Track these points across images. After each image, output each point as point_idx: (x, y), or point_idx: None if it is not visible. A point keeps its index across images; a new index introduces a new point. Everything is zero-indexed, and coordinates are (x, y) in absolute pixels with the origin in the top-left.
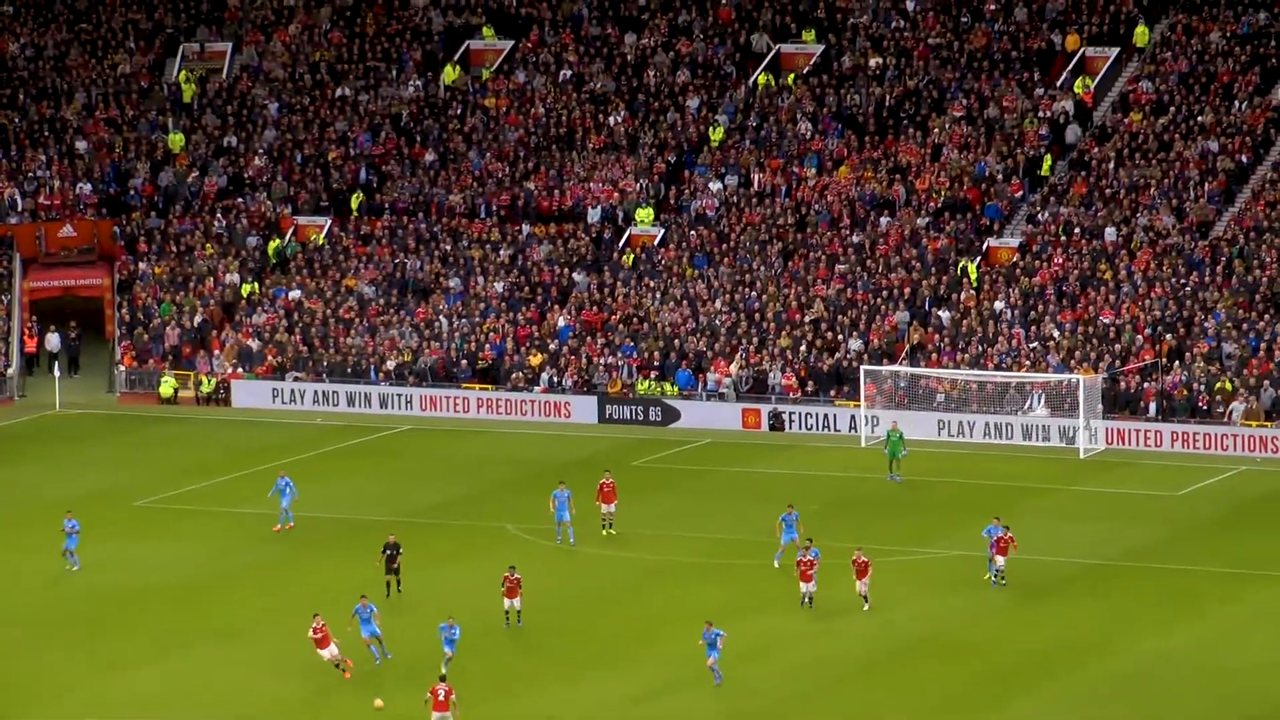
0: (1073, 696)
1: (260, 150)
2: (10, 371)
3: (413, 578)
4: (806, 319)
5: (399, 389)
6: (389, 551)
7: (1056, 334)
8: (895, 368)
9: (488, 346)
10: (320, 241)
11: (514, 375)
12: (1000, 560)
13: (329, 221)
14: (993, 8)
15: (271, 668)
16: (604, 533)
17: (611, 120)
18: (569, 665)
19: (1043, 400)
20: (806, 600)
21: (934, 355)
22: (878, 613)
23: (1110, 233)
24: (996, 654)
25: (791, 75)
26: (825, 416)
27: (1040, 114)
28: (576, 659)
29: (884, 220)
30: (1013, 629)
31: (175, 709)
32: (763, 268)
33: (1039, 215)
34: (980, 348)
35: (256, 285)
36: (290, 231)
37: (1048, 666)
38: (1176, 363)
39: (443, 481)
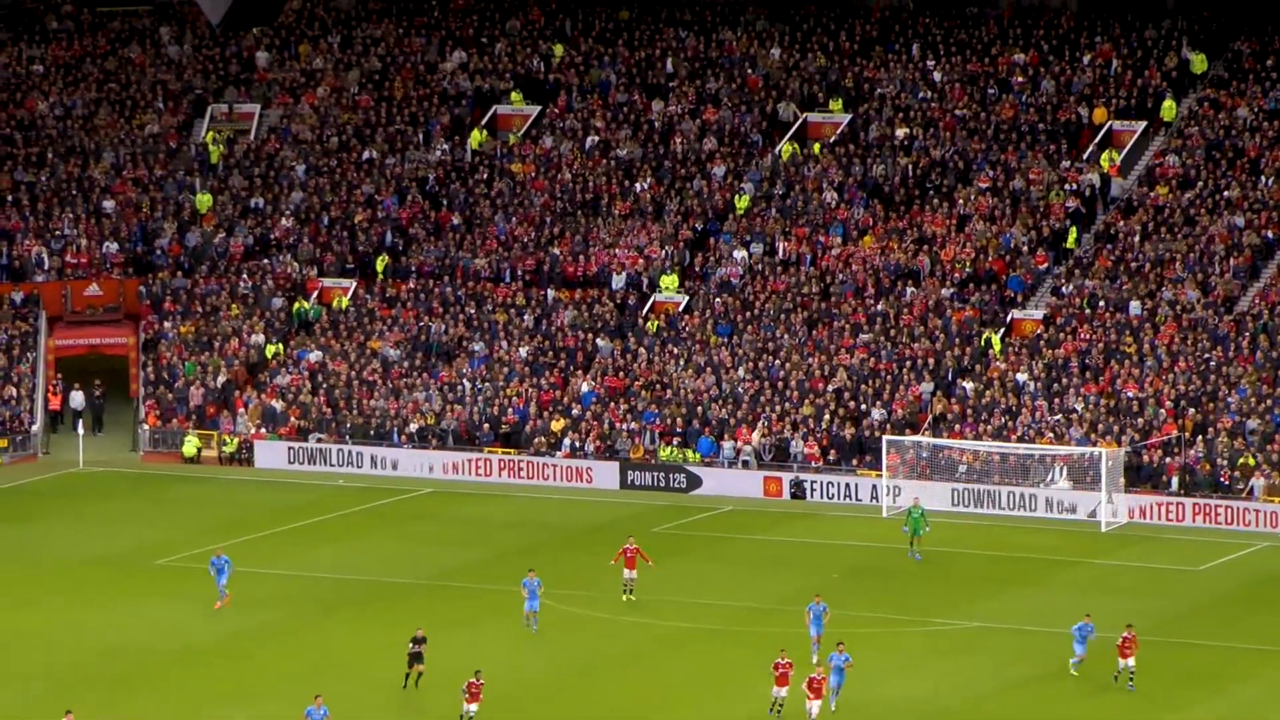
0: None
1: (287, 212)
2: (35, 429)
3: (433, 641)
4: (829, 388)
5: (421, 452)
6: (415, 646)
7: (1079, 407)
8: (918, 438)
9: (510, 410)
10: (345, 304)
11: (536, 440)
12: (1126, 661)
13: (354, 284)
14: (1020, 80)
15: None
16: (625, 598)
17: (637, 187)
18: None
19: (1065, 473)
20: (776, 708)
21: (956, 426)
22: (900, 680)
23: (1135, 306)
24: None
25: (818, 144)
26: (847, 486)
27: (1067, 187)
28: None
29: (908, 290)
30: (1030, 703)
31: None
32: (786, 336)
33: (1064, 288)
34: (1003, 419)
35: (281, 346)
36: (315, 294)
37: None
38: (1199, 437)
39: (462, 545)
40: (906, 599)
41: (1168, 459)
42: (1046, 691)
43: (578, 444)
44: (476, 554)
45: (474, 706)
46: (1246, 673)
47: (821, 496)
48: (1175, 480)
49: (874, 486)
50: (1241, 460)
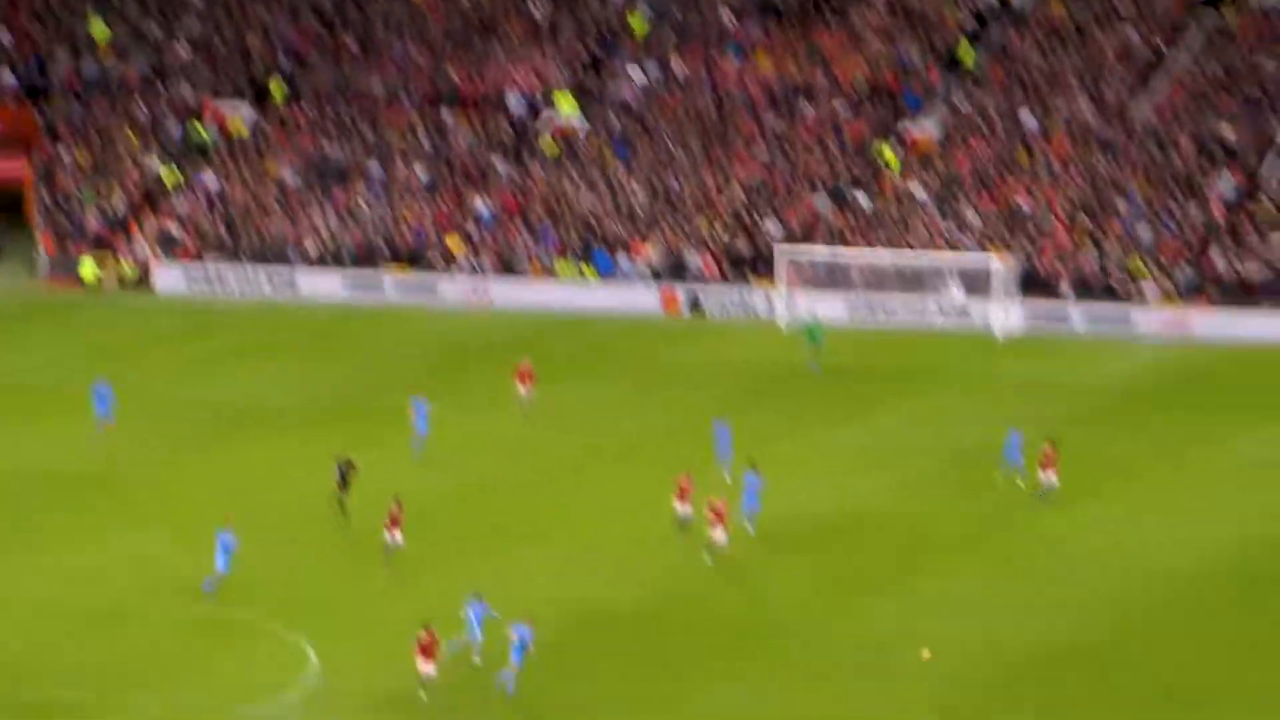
0: (984, 568)
1: (182, 38)
2: None
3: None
4: (725, 202)
5: (319, 273)
6: (342, 469)
7: (973, 217)
8: (812, 249)
9: (407, 231)
10: (242, 129)
11: (434, 259)
12: (1047, 475)
13: (250, 109)
14: None
15: (183, 547)
16: (523, 416)
17: (534, 9)
18: (497, 540)
19: (959, 283)
20: (681, 525)
21: (851, 238)
22: (794, 492)
23: (1027, 119)
24: (909, 528)
25: None
26: (744, 299)
27: (960, 2)
28: (501, 537)
29: (803, 106)
30: (930, 506)
31: (100, 584)
32: (682, 153)
33: (958, 103)
34: (898, 231)
35: (178, 173)
36: (211, 120)
37: (961, 541)
38: (1092, 245)
39: (362, 366)
40: (807, 411)
41: (1060, 266)
42: (944, 495)
43: (475, 262)
44: (376, 374)
45: (398, 534)
46: (1132, 474)
47: (719, 311)
48: (1068, 287)
49: (770, 299)
50: (1132, 266)
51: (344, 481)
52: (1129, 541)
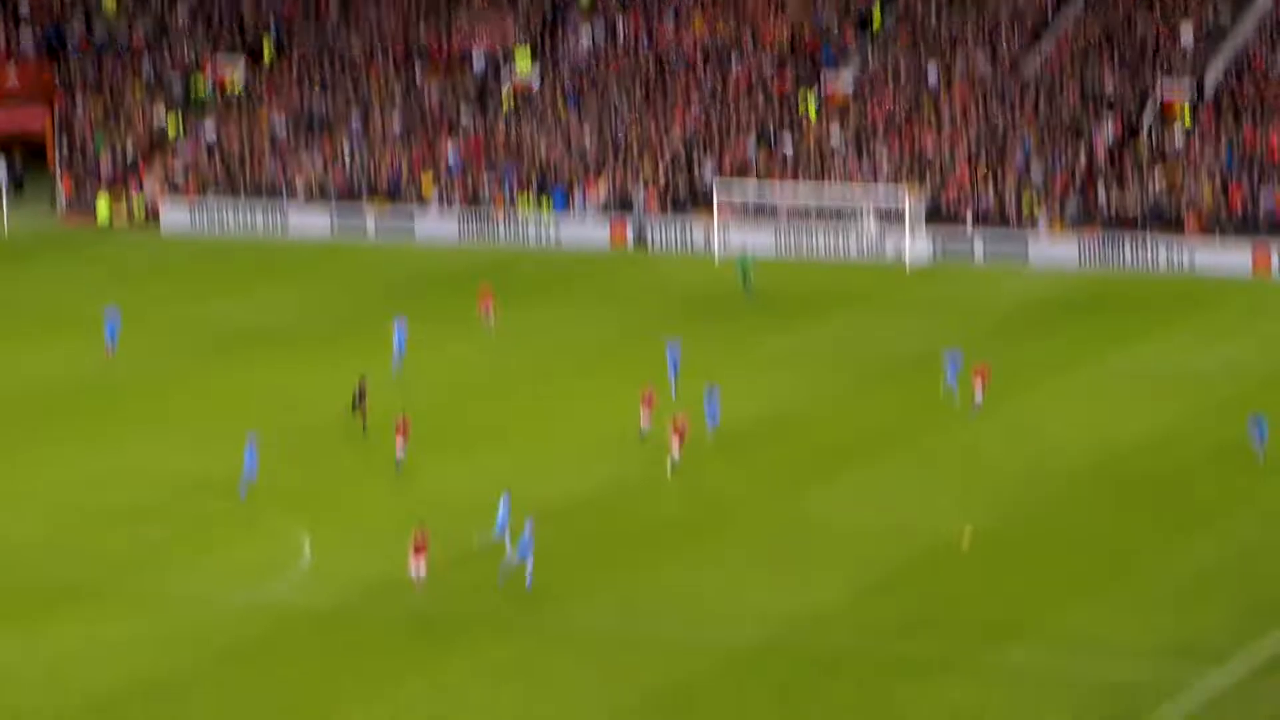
0: (900, 466)
1: (182, 4)
2: None
3: (323, 375)
4: (666, 147)
5: (307, 210)
6: (361, 388)
7: (885, 160)
8: (744, 185)
9: (386, 172)
10: (237, 84)
11: (409, 197)
12: (977, 391)
13: (244, 67)
14: None
15: (190, 449)
16: (486, 333)
17: None
18: (467, 445)
19: (873, 218)
20: (644, 431)
21: (779, 178)
22: (731, 400)
23: (932, 74)
24: (834, 432)
25: None
26: (683, 231)
27: None
28: (465, 441)
29: (733, 63)
30: (850, 411)
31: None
32: (627, 104)
33: (869, 59)
34: (818, 172)
35: (181, 122)
36: (209, 75)
37: (879, 442)
38: (991, 183)
39: (346, 292)
40: (740, 330)
41: (962, 202)
42: (864, 402)
43: (446, 199)
44: (360, 298)
45: (403, 444)
46: (1031, 384)
47: (661, 242)
48: (969, 221)
49: (706, 232)
50: (1026, 202)
51: (362, 398)
52: (1027, 444)
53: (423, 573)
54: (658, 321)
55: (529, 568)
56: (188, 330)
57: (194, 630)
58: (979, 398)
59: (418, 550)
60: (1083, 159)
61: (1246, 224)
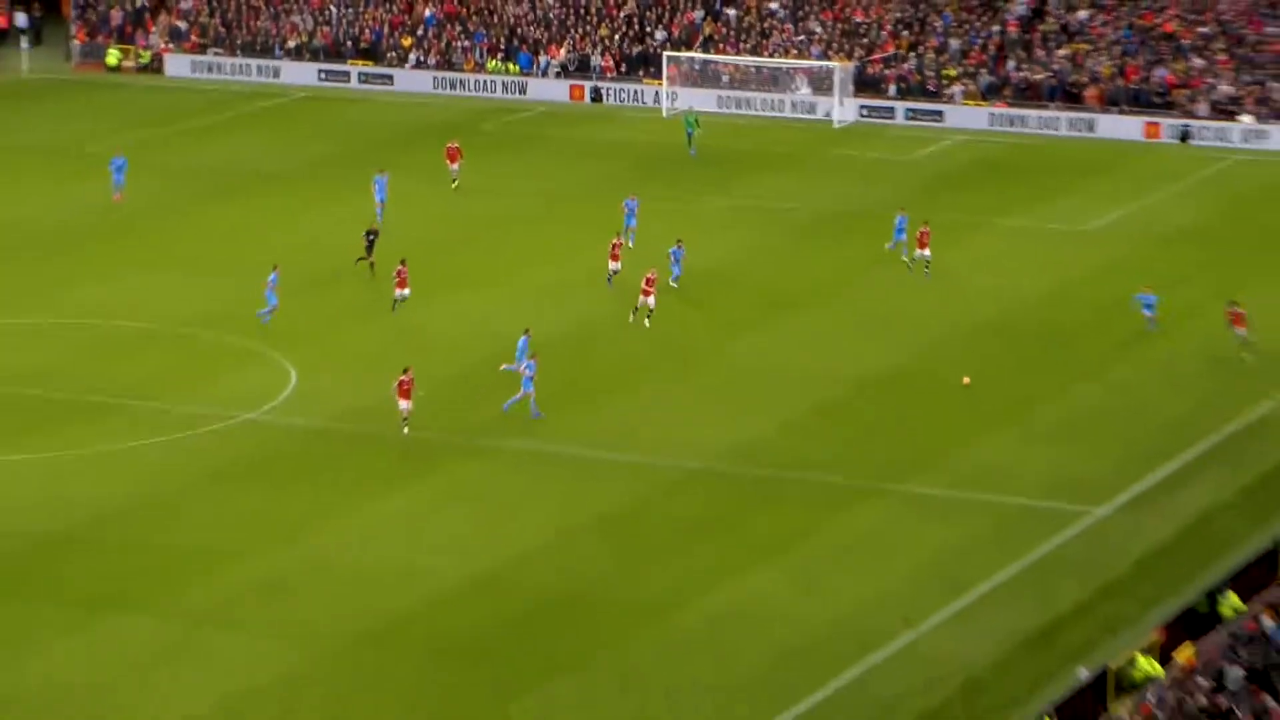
0: (832, 311)
1: None
2: None
3: (302, 218)
4: (622, 14)
5: (298, 63)
6: (371, 237)
7: (818, 29)
8: (691, 54)
9: (368, 31)
10: None
11: (389, 54)
12: (923, 251)
13: None
14: None
15: (191, 285)
16: (452, 186)
17: None
18: (438, 288)
19: (806, 82)
20: (611, 277)
21: (722, 45)
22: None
23: None
24: (770, 283)
25: None
26: (635, 92)
27: None
28: (441, 285)
29: None
30: (788, 261)
31: (119, 315)
32: None
33: None
34: (758, 39)
35: None
36: None
37: (814, 290)
38: (912, 53)
39: (332, 140)
40: (686, 183)
41: (887, 71)
42: (800, 252)
43: (422, 58)
44: (344, 147)
45: (406, 291)
46: (946, 240)
47: (615, 100)
48: (893, 88)
49: (656, 93)
50: (945, 71)
51: (370, 247)
52: (942, 296)
53: (408, 413)
54: (613, 175)
55: (532, 399)
56: (188, 171)
57: (189, 450)
58: (924, 254)
59: (404, 393)
60: (996, 33)
61: (1140, 97)
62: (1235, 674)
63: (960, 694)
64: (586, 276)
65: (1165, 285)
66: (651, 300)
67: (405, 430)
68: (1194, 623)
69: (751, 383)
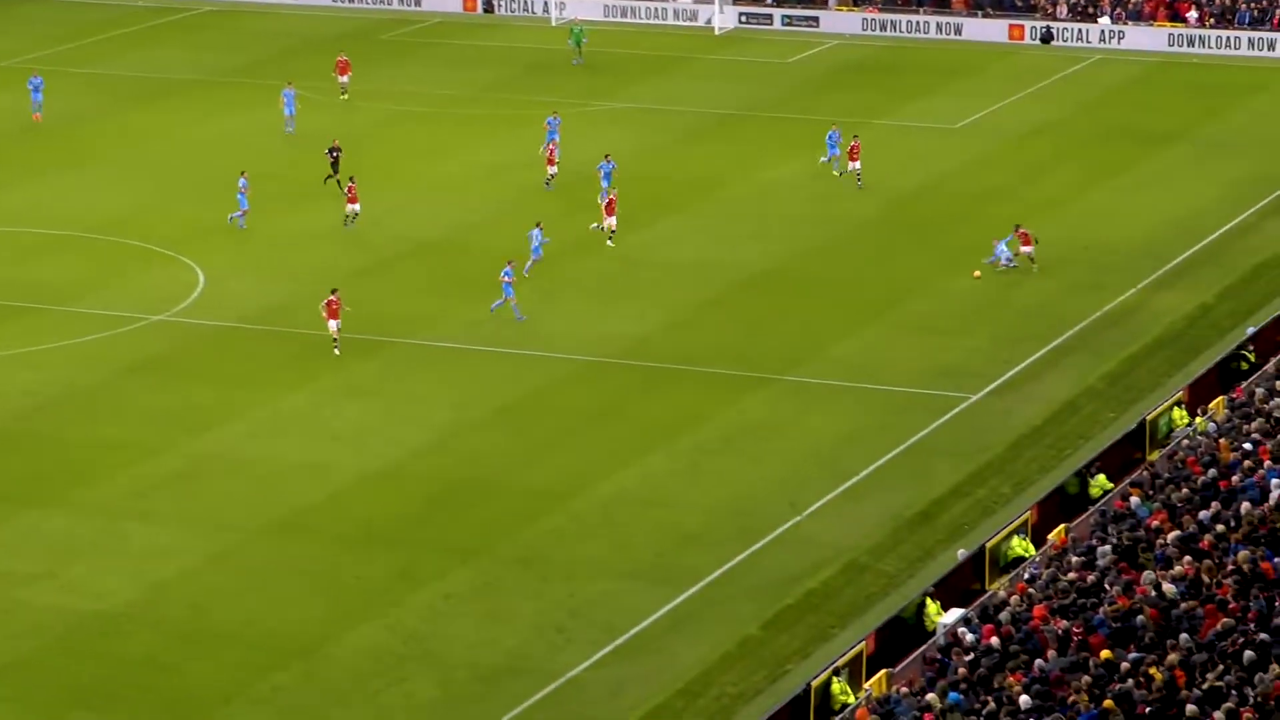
0: (711, 210)
1: None
2: None
3: (209, 126)
4: None
5: None
6: (334, 154)
7: None
8: None
9: None
10: None
11: None
12: (854, 164)
13: None
14: None
15: (109, 188)
16: (341, 98)
17: None
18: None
19: None
20: (549, 181)
21: None
22: (569, 148)
23: None
24: (662, 182)
25: None
26: (525, 2)
27: None
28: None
29: None
30: (670, 161)
31: (35, 219)
32: None
33: None
34: None
35: None
36: None
37: (693, 189)
38: None
39: (234, 50)
40: (571, 88)
41: None
42: (682, 152)
43: None
44: (248, 57)
45: (356, 206)
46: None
47: (506, 11)
48: None
49: (545, 2)
50: None
51: (335, 164)
52: (818, 192)
53: (337, 333)
54: (502, 77)
55: (514, 304)
56: (107, 80)
57: (102, 350)
58: (855, 167)
59: (332, 313)
60: None
61: (1004, 1)
62: (1104, 551)
63: (844, 574)
64: (485, 173)
65: (1026, 177)
66: (613, 223)
67: (336, 351)
68: (1066, 502)
69: (641, 279)
